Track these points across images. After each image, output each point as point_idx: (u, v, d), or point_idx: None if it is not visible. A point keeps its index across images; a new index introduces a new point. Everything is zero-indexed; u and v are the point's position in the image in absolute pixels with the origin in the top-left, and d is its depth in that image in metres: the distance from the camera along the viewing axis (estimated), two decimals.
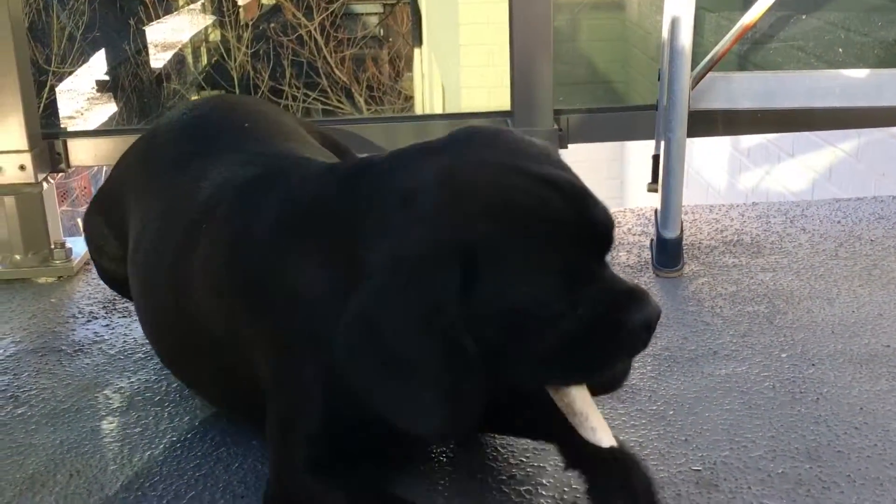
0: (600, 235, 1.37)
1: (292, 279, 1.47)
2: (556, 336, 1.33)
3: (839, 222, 2.76)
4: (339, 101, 13.64)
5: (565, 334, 1.32)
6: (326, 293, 1.42)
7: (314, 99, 13.73)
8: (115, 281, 2.13)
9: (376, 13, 18.63)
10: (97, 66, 12.43)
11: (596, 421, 1.40)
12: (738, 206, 2.95)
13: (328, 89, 13.53)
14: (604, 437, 1.40)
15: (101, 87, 12.62)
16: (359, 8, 18.00)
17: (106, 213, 2.10)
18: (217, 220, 1.66)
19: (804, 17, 2.82)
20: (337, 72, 13.58)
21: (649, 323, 1.36)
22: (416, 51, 12.84)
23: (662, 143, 2.51)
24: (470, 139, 1.43)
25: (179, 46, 14.41)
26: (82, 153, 2.74)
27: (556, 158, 1.41)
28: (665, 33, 2.47)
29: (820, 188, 4.49)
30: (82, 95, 12.06)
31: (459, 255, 1.28)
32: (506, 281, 1.30)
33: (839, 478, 1.62)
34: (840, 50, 2.79)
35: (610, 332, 1.34)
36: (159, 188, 1.91)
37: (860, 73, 2.63)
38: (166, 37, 14.40)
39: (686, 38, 2.40)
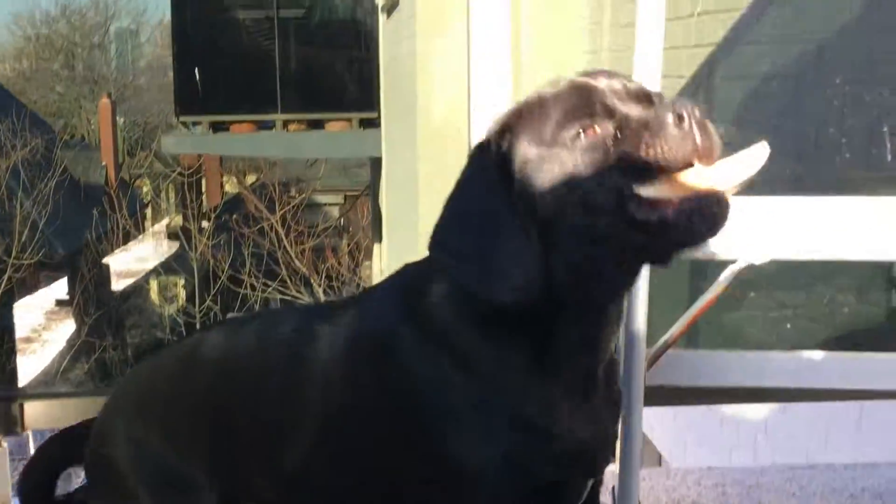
0: None
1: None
2: None
3: (794, 494, 2.79)
4: (297, 291, 13.74)
5: None
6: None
7: (273, 289, 13.85)
8: None
9: (338, 204, 19.05)
10: (58, 287, 12.48)
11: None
12: (693, 471, 2.98)
13: (287, 279, 13.64)
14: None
15: (61, 303, 12.63)
16: (321, 198, 18.40)
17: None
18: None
19: (752, 293, 2.94)
20: (297, 262, 13.73)
21: None
22: (377, 246, 13.05)
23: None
24: None
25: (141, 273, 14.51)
26: (41, 416, 2.72)
27: None
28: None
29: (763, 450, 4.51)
30: (42, 309, 12.08)
31: None
32: None
33: None
34: (789, 327, 2.90)
35: None
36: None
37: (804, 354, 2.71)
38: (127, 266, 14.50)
39: (641, 323, 2.47)
